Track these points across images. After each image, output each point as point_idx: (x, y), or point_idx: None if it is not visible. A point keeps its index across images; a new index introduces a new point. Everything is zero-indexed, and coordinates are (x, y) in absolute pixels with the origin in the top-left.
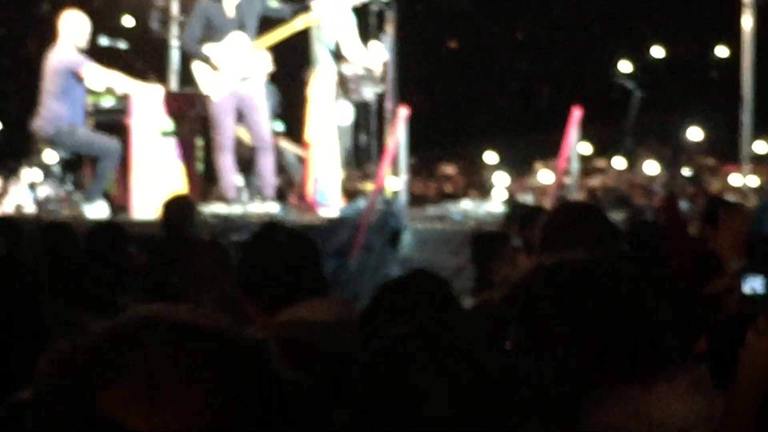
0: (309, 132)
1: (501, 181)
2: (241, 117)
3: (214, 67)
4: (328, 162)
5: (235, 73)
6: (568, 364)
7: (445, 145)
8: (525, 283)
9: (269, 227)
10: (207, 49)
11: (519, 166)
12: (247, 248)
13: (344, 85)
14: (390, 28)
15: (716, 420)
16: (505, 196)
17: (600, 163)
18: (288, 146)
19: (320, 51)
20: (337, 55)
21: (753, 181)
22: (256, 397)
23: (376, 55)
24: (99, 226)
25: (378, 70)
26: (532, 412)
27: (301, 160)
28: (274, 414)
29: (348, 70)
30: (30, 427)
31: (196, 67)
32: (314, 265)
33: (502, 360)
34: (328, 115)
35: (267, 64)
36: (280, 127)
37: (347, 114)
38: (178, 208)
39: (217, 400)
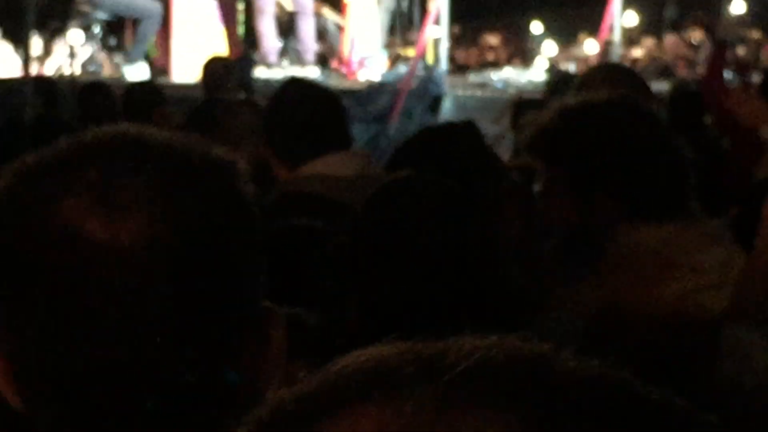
0: None
1: (547, 50)
2: None
3: None
4: (368, 23)
5: None
6: (592, 201)
7: (489, 13)
8: (549, 125)
9: (290, 84)
10: None
11: (564, 36)
12: (269, 105)
13: None
14: None
15: (733, 270)
16: (548, 64)
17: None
18: (328, 13)
19: None
20: None
21: None
22: (218, 214)
23: None
24: (135, 86)
25: None
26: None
27: (341, 29)
28: (229, 231)
29: None
30: None
31: None
32: (337, 120)
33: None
34: None
35: None
36: None
37: None
38: (217, 69)
39: (178, 213)
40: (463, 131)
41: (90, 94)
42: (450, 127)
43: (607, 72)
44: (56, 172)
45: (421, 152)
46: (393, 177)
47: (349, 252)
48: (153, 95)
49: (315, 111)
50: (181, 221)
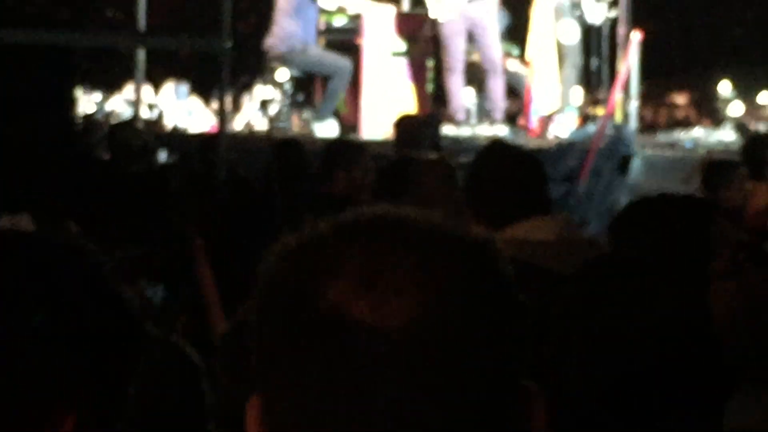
0: (529, 51)
1: (734, 111)
2: (472, 39)
3: None
4: (549, 82)
5: None
6: None
7: (676, 72)
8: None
9: (494, 145)
10: None
11: (753, 95)
12: (472, 165)
13: (570, 7)
14: None
15: None
16: (738, 124)
17: None
18: (521, 69)
19: None
20: None
21: None
22: (481, 294)
23: None
24: (335, 142)
25: None
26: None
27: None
28: (496, 311)
29: None
30: (255, 335)
31: None
32: (538, 183)
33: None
34: (549, 35)
35: None
36: (515, 50)
37: (573, 33)
38: (409, 127)
39: (446, 295)
40: (685, 204)
41: (283, 151)
42: (670, 198)
43: None
44: (321, 254)
45: (640, 224)
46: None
47: (561, 319)
48: (352, 151)
49: (517, 174)
50: (450, 303)
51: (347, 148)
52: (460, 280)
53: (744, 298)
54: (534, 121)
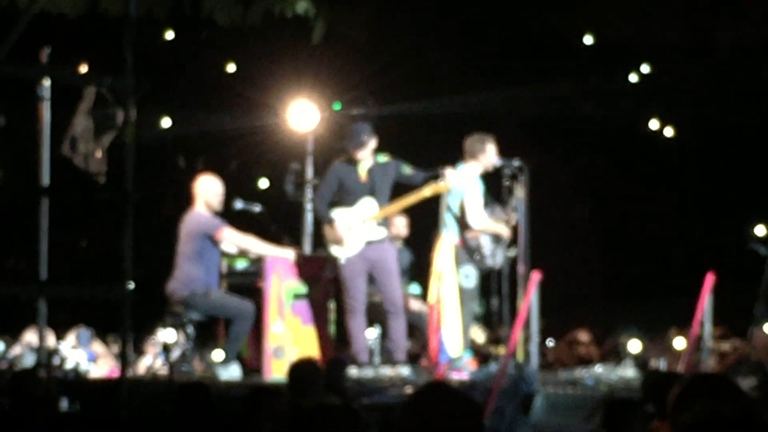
0: (430, 295)
1: (635, 348)
2: (372, 280)
3: (335, 233)
4: (451, 325)
5: (362, 237)
6: None
7: (577, 310)
8: None
9: (431, 387)
10: (336, 212)
11: (654, 330)
12: (408, 407)
13: (468, 252)
14: (521, 192)
15: None
16: (639, 361)
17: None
18: (425, 309)
19: (446, 217)
20: (462, 223)
21: None
22: None
23: (506, 221)
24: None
25: (507, 235)
26: None
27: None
28: None
29: (471, 240)
30: None
31: (326, 230)
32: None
33: None
34: (450, 279)
35: (401, 228)
36: (416, 289)
37: (471, 278)
38: (303, 373)
39: None
40: None
41: (188, 395)
42: None
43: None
44: None
45: None
46: None
47: None
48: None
49: (453, 419)
50: None
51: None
52: None
53: None
54: (443, 365)
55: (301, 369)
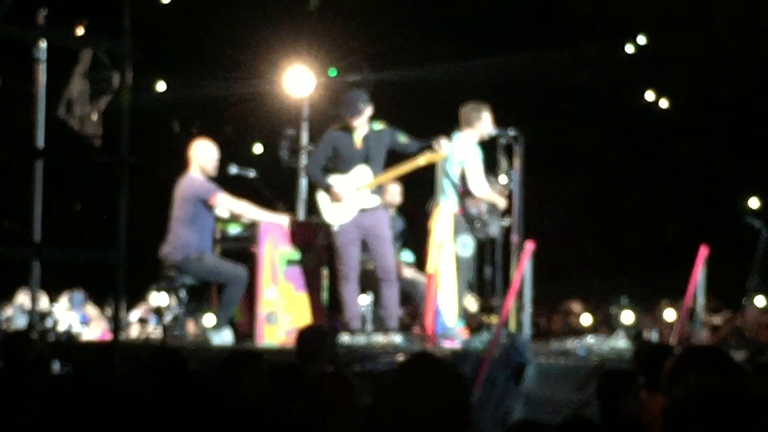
0: (429, 264)
1: (627, 319)
2: (366, 247)
3: (335, 197)
4: (448, 294)
5: (356, 203)
6: None
7: (570, 280)
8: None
9: (418, 358)
10: (331, 178)
11: (646, 302)
12: (394, 378)
13: (467, 221)
14: (517, 162)
15: None
16: (632, 332)
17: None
18: (418, 276)
19: (445, 185)
20: (462, 191)
21: None
22: None
23: (503, 190)
24: (232, 353)
25: (503, 205)
26: None
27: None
28: None
29: (472, 208)
30: None
31: (320, 196)
32: (463, 401)
33: None
34: (448, 249)
35: (395, 196)
36: (410, 257)
37: (468, 247)
38: (312, 339)
39: None
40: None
41: (161, 362)
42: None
43: (697, 358)
44: None
45: None
46: None
47: None
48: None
49: (443, 390)
50: None
51: (247, 357)
52: None
53: None
54: (444, 332)
55: (308, 335)
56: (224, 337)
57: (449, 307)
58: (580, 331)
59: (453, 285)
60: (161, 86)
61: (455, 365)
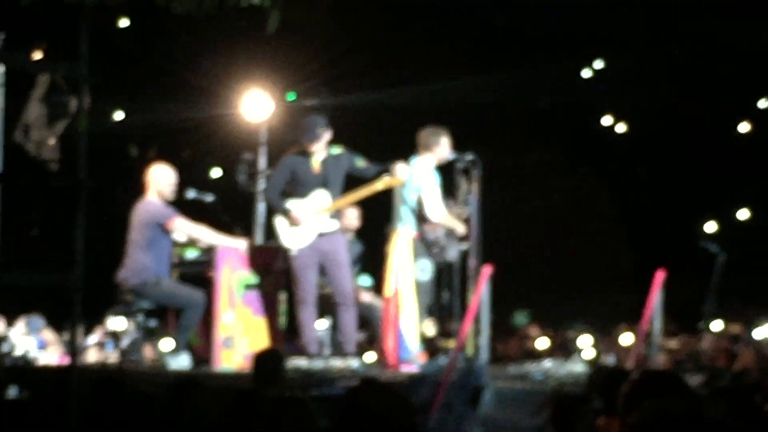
0: (387, 288)
1: (585, 343)
2: (323, 272)
3: (294, 221)
4: (406, 319)
5: (314, 228)
6: None
7: (528, 303)
8: None
9: (366, 384)
10: (289, 203)
11: (603, 326)
12: (344, 404)
13: (425, 246)
14: (475, 186)
15: None
16: (588, 356)
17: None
18: (376, 301)
19: (402, 211)
20: (420, 216)
21: None
22: None
23: (460, 215)
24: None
25: (462, 231)
26: None
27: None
28: None
29: (429, 233)
30: None
31: (278, 220)
32: (408, 423)
33: None
34: (406, 273)
35: (352, 220)
36: (368, 281)
37: (427, 271)
38: (267, 362)
39: None
40: None
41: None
42: None
43: (652, 383)
44: None
45: None
46: None
47: None
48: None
49: (386, 417)
50: None
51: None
52: None
53: None
54: (403, 356)
55: (264, 358)
56: (181, 362)
57: (411, 332)
58: (536, 355)
59: (413, 309)
60: (119, 111)
61: (404, 391)
